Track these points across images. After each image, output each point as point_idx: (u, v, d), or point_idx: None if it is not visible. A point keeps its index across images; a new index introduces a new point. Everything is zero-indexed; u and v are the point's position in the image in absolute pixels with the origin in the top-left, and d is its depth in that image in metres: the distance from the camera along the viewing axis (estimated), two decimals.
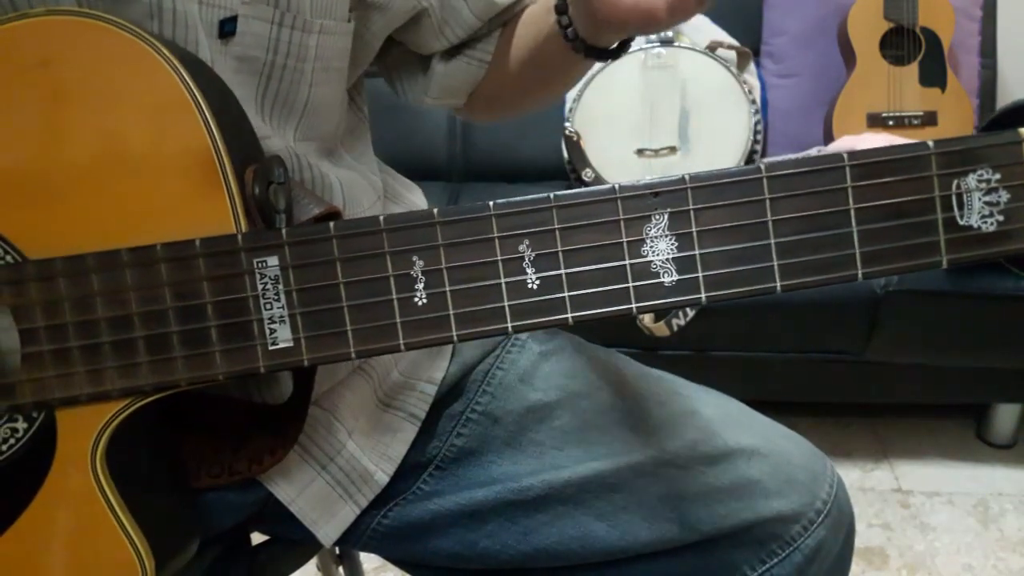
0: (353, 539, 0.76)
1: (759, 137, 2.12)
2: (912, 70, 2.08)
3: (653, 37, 2.14)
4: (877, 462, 2.05)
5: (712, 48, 2.16)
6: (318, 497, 0.71)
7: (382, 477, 0.74)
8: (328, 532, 0.73)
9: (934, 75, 2.08)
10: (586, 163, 2.10)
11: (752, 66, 2.24)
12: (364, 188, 0.74)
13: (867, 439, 2.14)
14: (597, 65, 2.13)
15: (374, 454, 0.73)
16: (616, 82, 2.13)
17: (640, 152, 2.10)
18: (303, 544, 0.82)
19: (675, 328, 1.83)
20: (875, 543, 1.80)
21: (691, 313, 1.81)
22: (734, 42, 2.21)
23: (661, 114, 2.10)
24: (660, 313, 1.79)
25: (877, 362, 1.91)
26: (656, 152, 2.09)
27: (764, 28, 2.28)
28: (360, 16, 0.72)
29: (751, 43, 2.26)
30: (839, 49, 2.16)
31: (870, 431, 2.16)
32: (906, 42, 2.08)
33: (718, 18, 2.25)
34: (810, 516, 0.72)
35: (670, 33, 2.13)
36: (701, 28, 2.24)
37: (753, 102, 2.10)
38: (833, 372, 1.96)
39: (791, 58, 2.24)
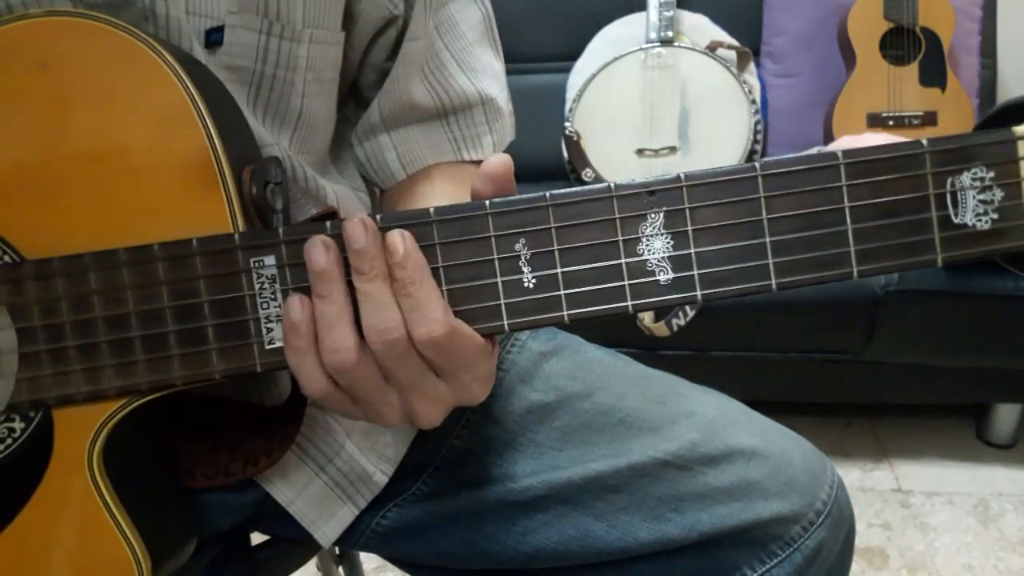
0: (352, 539, 0.76)
1: (759, 137, 2.12)
2: (912, 70, 2.08)
3: (653, 36, 2.14)
4: (877, 462, 2.05)
5: (712, 48, 2.16)
6: (316, 498, 0.71)
7: (381, 478, 0.74)
8: (327, 533, 0.73)
9: (934, 75, 2.08)
10: (586, 163, 2.10)
11: (752, 66, 2.24)
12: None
13: (867, 439, 2.14)
14: (597, 64, 2.16)
15: (373, 455, 0.73)
16: (616, 82, 2.14)
17: (640, 152, 2.10)
18: (303, 544, 0.82)
19: (675, 328, 1.83)
20: (875, 543, 1.80)
21: (691, 313, 1.81)
22: (734, 42, 2.21)
23: (661, 114, 2.10)
24: (660, 313, 1.78)
25: (877, 362, 1.91)
26: (656, 152, 2.09)
27: (764, 28, 2.28)
28: (346, 29, 0.71)
29: (751, 43, 2.25)
30: (839, 49, 2.16)
31: (870, 431, 2.16)
32: (906, 42, 2.08)
33: (718, 18, 2.26)
34: (810, 517, 0.72)
35: (670, 33, 2.13)
36: (701, 28, 2.24)
37: (753, 102, 2.10)
38: (833, 372, 1.96)
39: (791, 58, 2.24)
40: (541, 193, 0.50)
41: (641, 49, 2.14)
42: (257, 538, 0.81)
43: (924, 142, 0.49)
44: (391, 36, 0.76)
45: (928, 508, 1.90)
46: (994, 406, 2.08)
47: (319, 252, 0.50)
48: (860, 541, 0.81)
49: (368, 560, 1.04)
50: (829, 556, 0.74)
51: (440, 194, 0.77)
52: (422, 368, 0.52)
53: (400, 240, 0.50)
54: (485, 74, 0.80)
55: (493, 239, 0.51)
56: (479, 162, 0.77)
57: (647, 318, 1.80)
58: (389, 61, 0.77)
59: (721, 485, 0.72)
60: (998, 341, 1.85)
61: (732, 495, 0.72)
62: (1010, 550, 1.77)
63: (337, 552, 1.02)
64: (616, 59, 2.14)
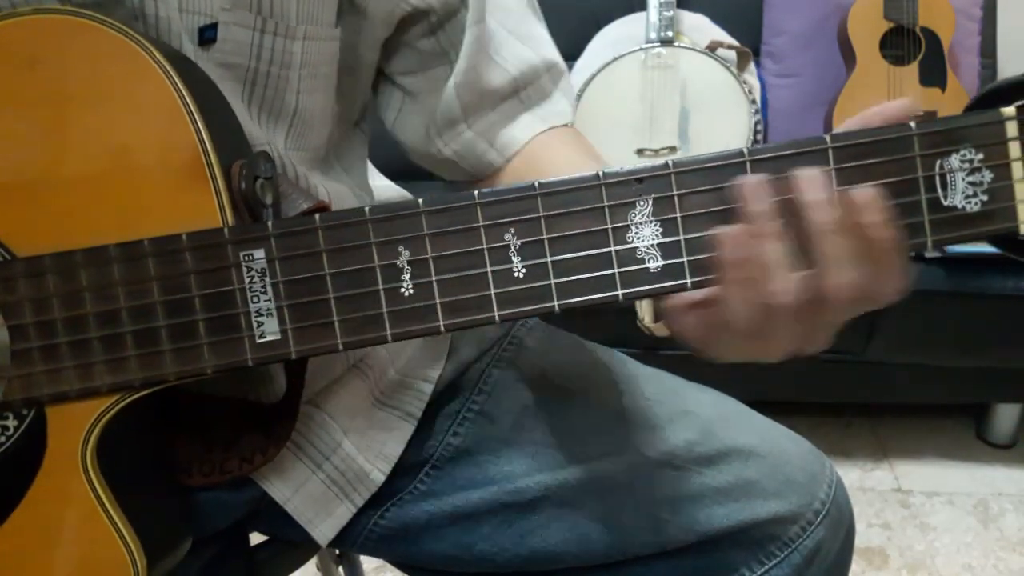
0: (350, 541, 0.76)
1: (759, 137, 2.11)
2: (912, 70, 2.08)
3: (653, 36, 2.14)
4: (877, 462, 2.05)
5: (712, 48, 2.16)
6: (313, 496, 0.71)
7: (378, 476, 0.74)
8: (324, 531, 0.72)
9: (934, 75, 2.08)
10: None
11: (752, 66, 2.24)
12: (351, 201, 0.74)
13: (867, 439, 2.13)
14: (597, 64, 2.16)
15: (370, 453, 0.73)
16: (616, 82, 2.13)
17: (640, 152, 2.10)
18: (302, 544, 0.82)
19: None
20: (875, 543, 1.80)
21: None
22: (734, 42, 2.21)
23: (661, 114, 2.10)
24: (660, 313, 1.77)
25: (877, 362, 1.90)
26: (656, 152, 2.09)
27: (764, 28, 2.28)
28: (351, 23, 0.71)
29: (751, 43, 2.25)
30: (839, 49, 2.15)
31: (870, 431, 2.16)
32: (906, 42, 2.08)
33: (718, 18, 2.25)
34: (808, 517, 0.72)
35: (670, 33, 2.13)
36: (701, 28, 2.24)
37: (753, 102, 2.10)
38: (833, 372, 1.96)
39: (791, 58, 2.24)
40: (530, 182, 0.50)
41: (641, 49, 2.13)
42: (256, 539, 0.81)
43: (912, 124, 0.49)
44: (426, 25, 0.74)
45: (928, 508, 1.90)
46: (994, 406, 2.08)
47: (807, 184, 0.49)
48: (860, 541, 0.81)
49: (368, 560, 1.04)
50: (828, 556, 0.73)
51: (564, 161, 0.76)
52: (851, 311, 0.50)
53: (873, 199, 0.48)
54: (541, 41, 0.79)
55: (482, 229, 0.51)
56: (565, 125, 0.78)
57: (647, 318, 1.80)
58: (425, 39, 0.75)
59: (718, 485, 0.72)
60: (998, 341, 1.85)
61: (729, 495, 0.72)
62: (1010, 550, 1.77)
63: (337, 552, 1.02)
64: (616, 59, 2.14)
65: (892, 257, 0.49)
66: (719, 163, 0.50)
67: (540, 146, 0.78)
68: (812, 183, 0.48)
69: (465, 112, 0.76)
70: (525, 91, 0.78)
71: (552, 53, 0.80)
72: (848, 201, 0.48)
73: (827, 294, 0.49)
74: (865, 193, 0.48)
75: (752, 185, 0.49)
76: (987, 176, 0.49)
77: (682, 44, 2.14)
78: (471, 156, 0.77)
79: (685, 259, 0.50)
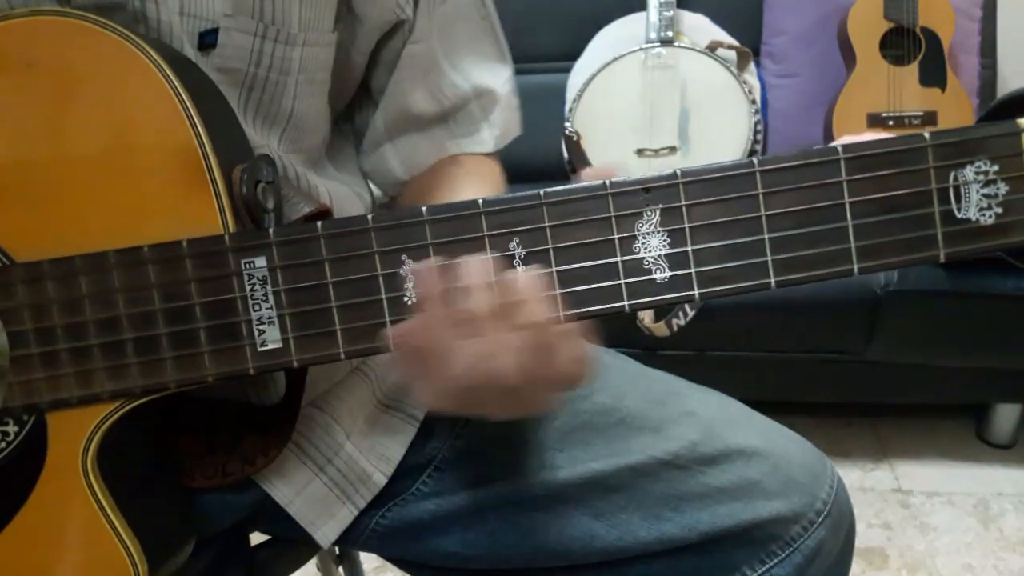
0: (352, 538, 0.76)
1: (759, 137, 2.11)
2: (912, 70, 2.08)
3: (653, 36, 2.14)
4: (877, 462, 2.05)
5: (712, 48, 2.15)
6: (316, 498, 0.71)
7: (380, 478, 0.74)
8: (326, 533, 0.72)
9: (934, 75, 2.08)
10: (586, 163, 2.10)
11: (752, 66, 2.24)
12: (352, 200, 0.74)
13: (867, 439, 2.13)
14: (597, 64, 2.16)
15: (372, 455, 0.73)
16: (616, 82, 2.13)
17: (640, 152, 2.09)
18: (303, 544, 0.82)
19: (675, 328, 1.82)
20: (875, 543, 1.79)
21: (691, 313, 1.80)
22: (734, 42, 2.21)
23: (661, 114, 2.10)
24: (660, 313, 1.78)
25: (877, 362, 1.90)
26: (656, 152, 2.09)
27: (764, 28, 2.28)
28: (348, 29, 0.71)
29: (751, 43, 2.25)
30: (839, 49, 2.15)
31: (870, 431, 2.16)
32: (906, 42, 2.08)
33: (718, 18, 2.25)
34: (810, 516, 0.72)
35: (670, 33, 2.13)
36: (701, 28, 2.24)
37: (753, 102, 2.10)
38: (833, 372, 1.96)
39: (791, 58, 2.24)
40: (535, 191, 0.50)
41: (641, 49, 2.13)
42: (257, 538, 0.81)
43: (926, 135, 0.48)
44: (401, 39, 0.75)
45: (928, 508, 1.90)
46: (994, 406, 2.08)
47: (467, 270, 0.50)
48: (860, 541, 0.81)
49: (368, 560, 1.04)
50: (829, 556, 0.74)
51: (448, 176, 0.77)
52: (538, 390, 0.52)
53: (528, 283, 0.50)
54: (480, 68, 0.80)
55: (487, 238, 0.51)
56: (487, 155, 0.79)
57: (647, 318, 1.80)
58: (399, 50, 0.76)
59: (721, 485, 0.72)
60: (998, 341, 1.85)
61: (732, 495, 0.72)
62: (1010, 550, 1.77)
63: (337, 552, 1.02)
64: (616, 59, 2.14)
65: (556, 340, 0.50)
66: (729, 172, 0.49)
67: (444, 165, 0.79)
68: (472, 269, 0.49)
69: (388, 130, 0.78)
70: (453, 119, 0.80)
71: (488, 79, 0.80)
72: (504, 286, 0.49)
73: (496, 375, 0.50)
74: (521, 277, 0.49)
75: (420, 271, 0.50)
76: (1002, 188, 0.49)
77: (682, 44, 2.14)
78: (380, 170, 0.79)
79: (693, 270, 0.50)
